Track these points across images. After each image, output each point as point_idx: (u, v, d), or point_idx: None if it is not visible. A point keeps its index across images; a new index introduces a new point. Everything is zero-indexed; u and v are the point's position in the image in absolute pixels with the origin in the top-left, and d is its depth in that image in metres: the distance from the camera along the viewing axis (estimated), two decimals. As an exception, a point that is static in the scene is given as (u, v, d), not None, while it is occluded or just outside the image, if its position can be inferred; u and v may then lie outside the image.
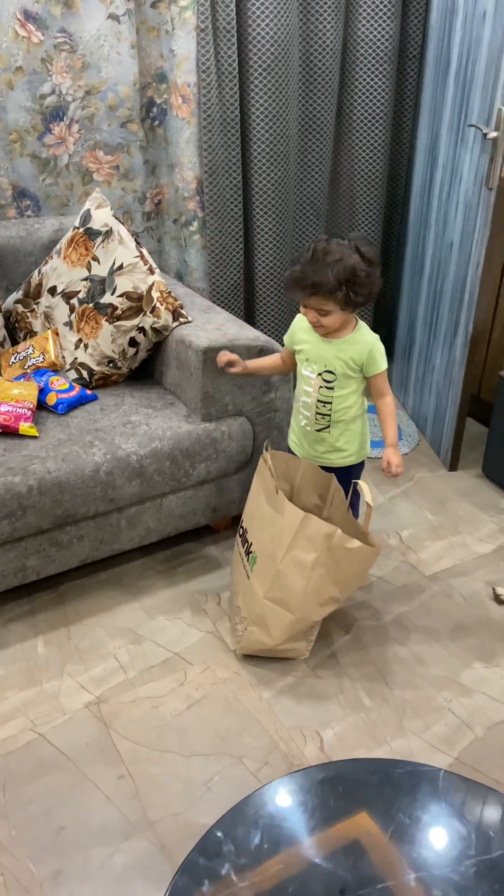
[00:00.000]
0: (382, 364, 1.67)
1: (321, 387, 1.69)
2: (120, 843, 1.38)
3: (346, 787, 1.04)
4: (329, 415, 1.71)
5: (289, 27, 2.32)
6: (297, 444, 1.85)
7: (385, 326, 3.05)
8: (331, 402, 1.69)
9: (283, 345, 1.83)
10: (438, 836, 0.97)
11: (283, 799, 1.04)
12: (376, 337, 1.68)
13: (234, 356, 1.79)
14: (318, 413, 1.72)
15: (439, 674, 1.75)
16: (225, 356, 1.79)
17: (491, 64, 2.02)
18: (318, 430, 1.75)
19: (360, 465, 1.84)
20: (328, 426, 1.73)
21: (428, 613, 1.94)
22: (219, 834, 0.97)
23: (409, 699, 1.69)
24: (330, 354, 1.66)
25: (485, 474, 2.52)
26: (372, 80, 2.56)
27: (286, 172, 2.52)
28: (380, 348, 1.67)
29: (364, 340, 1.66)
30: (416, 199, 2.70)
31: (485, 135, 2.04)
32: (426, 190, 2.60)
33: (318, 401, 1.71)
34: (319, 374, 1.68)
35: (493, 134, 2.01)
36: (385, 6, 2.44)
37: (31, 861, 1.35)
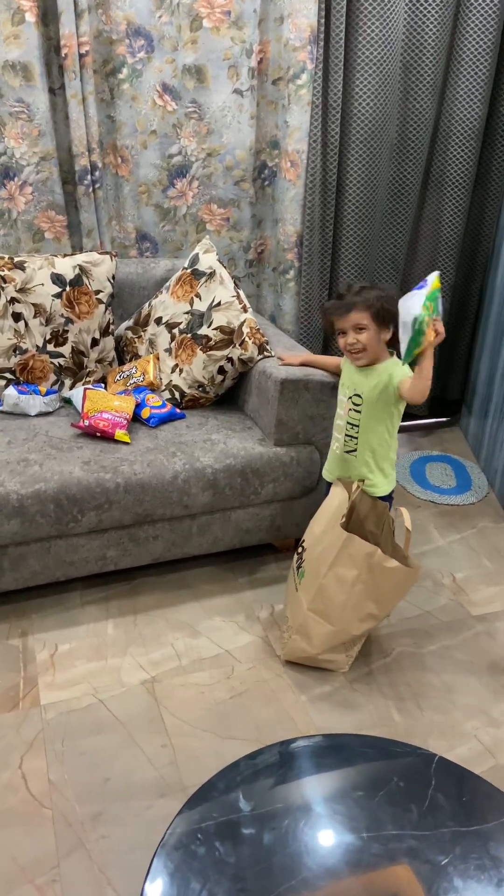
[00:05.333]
0: (403, 371, 1.76)
1: (350, 409, 1.88)
2: (155, 800, 1.56)
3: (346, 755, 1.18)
4: (356, 437, 1.88)
5: (388, 105, 2.59)
6: (327, 471, 2.03)
7: (465, 380, 3.20)
8: (358, 426, 1.87)
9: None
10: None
11: (290, 755, 1.19)
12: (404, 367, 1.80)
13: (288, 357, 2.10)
14: (347, 435, 1.91)
15: (470, 703, 1.84)
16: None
17: None
18: (347, 452, 1.92)
19: (388, 499, 1.97)
20: (355, 449, 1.90)
21: (469, 649, 2.03)
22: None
23: (437, 721, 1.78)
24: (359, 379, 1.85)
25: (548, 530, 2.58)
26: (459, 153, 2.80)
27: (371, 231, 2.78)
28: (401, 367, 1.78)
29: (389, 365, 1.82)
30: (504, 265, 2.85)
31: None
32: (513, 256, 2.75)
33: (348, 423, 1.89)
34: (349, 398, 1.87)
35: None
36: (477, 91, 2.68)
37: (77, 801, 1.55)
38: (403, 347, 1.65)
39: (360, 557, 1.71)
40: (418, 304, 1.58)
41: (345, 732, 1.72)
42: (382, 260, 2.94)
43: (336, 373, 2.06)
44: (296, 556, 1.95)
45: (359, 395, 1.85)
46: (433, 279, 1.61)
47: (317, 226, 2.67)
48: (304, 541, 1.92)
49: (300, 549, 1.93)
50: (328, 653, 1.87)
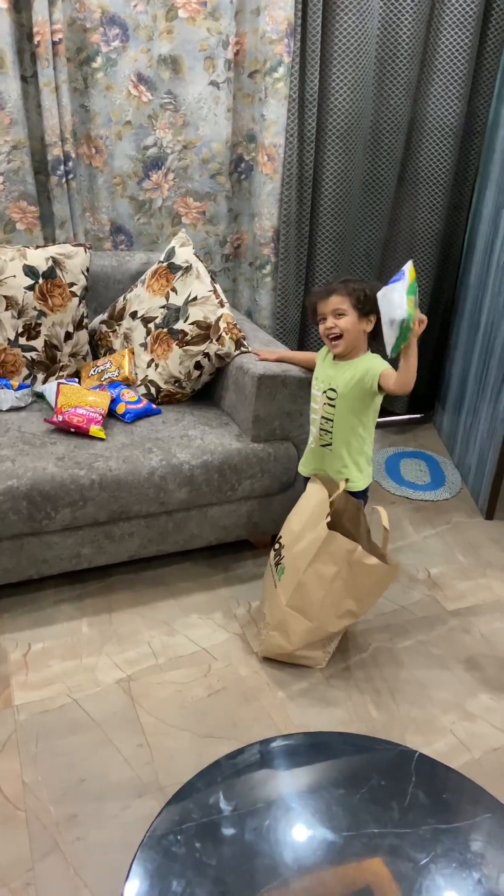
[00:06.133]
0: (381, 363, 1.78)
1: (325, 403, 1.87)
2: (132, 800, 1.54)
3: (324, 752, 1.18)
4: (331, 431, 1.88)
5: (363, 100, 2.59)
6: (303, 465, 2.04)
7: (436, 377, 3.22)
8: (333, 420, 1.86)
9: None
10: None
11: (270, 755, 1.18)
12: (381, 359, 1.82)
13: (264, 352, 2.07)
14: (322, 429, 1.90)
15: (446, 698, 1.85)
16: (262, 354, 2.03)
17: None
18: (322, 446, 1.92)
19: (363, 495, 1.97)
20: (330, 443, 1.90)
21: (444, 644, 2.04)
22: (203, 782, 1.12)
23: (413, 716, 1.79)
24: (334, 373, 1.85)
25: (520, 526, 2.61)
26: (434, 151, 2.82)
27: (347, 227, 2.78)
28: (379, 360, 1.80)
29: (375, 361, 1.81)
30: (478, 262, 2.87)
31: (539, 207, 2.21)
32: (487, 254, 2.77)
33: (323, 417, 1.89)
34: (324, 392, 1.86)
35: (547, 206, 2.18)
36: (454, 89, 2.69)
37: (52, 803, 1.52)
38: (390, 344, 1.65)
39: (340, 554, 1.71)
40: (402, 302, 1.58)
41: (323, 730, 1.72)
42: (358, 256, 2.94)
43: (311, 368, 2.05)
44: (273, 553, 1.94)
45: (333, 390, 1.84)
46: (409, 269, 1.61)
47: (293, 221, 2.65)
48: (281, 537, 1.91)
49: (277, 546, 1.93)
50: (306, 649, 1.86)
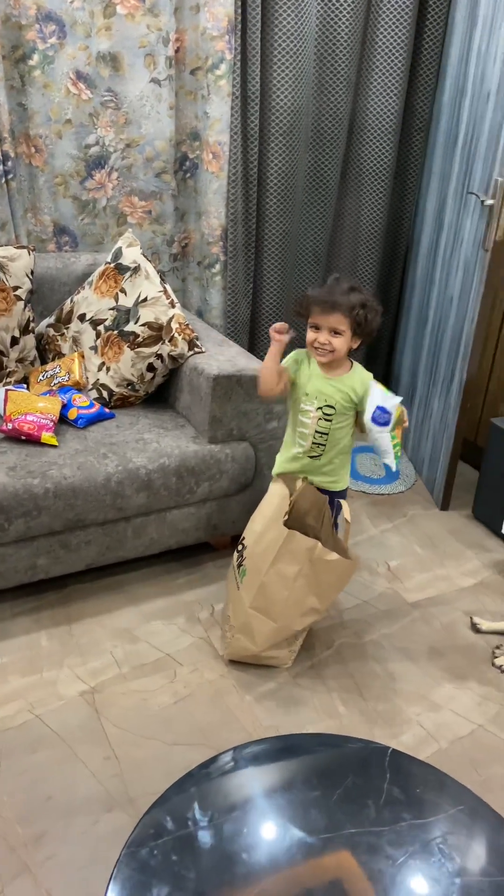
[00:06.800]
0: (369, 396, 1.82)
1: (320, 419, 1.83)
2: (102, 814, 1.50)
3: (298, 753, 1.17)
4: (324, 444, 1.86)
5: (305, 96, 2.59)
6: (285, 470, 1.95)
7: (387, 372, 3.26)
8: (328, 433, 1.85)
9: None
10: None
11: (244, 761, 1.17)
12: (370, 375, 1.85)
13: (285, 325, 1.78)
14: (314, 443, 1.86)
15: (411, 690, 1.87)
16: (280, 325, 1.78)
17: (492, 139, 2.24)
18: (311, 457, 1.90)
19: (344, 492, 1.98)
20: (321, 454, 1.88)
21: (407, 636, 2.06)
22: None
23: (380, 710, 1.80)
24: (331, 391, 1.81)
25: (474, 515, 2.65)
26: (376, 147, 2.85)
27: (292, 225, 2.78)
28: (369, 380, 1.83)
29: (363, 375, 1.83)
30: (423, 257, 2.91)
31: (482, 202, 2.25)
32: (433, 249, 2.81)
33: (317, 431, 1.84)
34: (319, 409, 1.82)
35: (490, 201, 2.21)
36: (392, 86, 2.73)
37: (19, 823, 1.48)
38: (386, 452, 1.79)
39: (301, 553, 1.71)
40: (389, 447, 1.76)
41: (292, 730, 1.72)
42: (305, 253, 2.95)
43: (273, 382, 1.86)
44: (236, 555, 1.93)
45: (331, 406, 1.81)
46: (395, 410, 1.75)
47: (240, 219, 2.64)
48: (244, 538, 1.89)
49: (240, 548, 1.91)
50: (271, 649, 1.86)
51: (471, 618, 2.13)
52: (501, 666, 1.95)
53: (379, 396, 1.75)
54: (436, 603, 2.20)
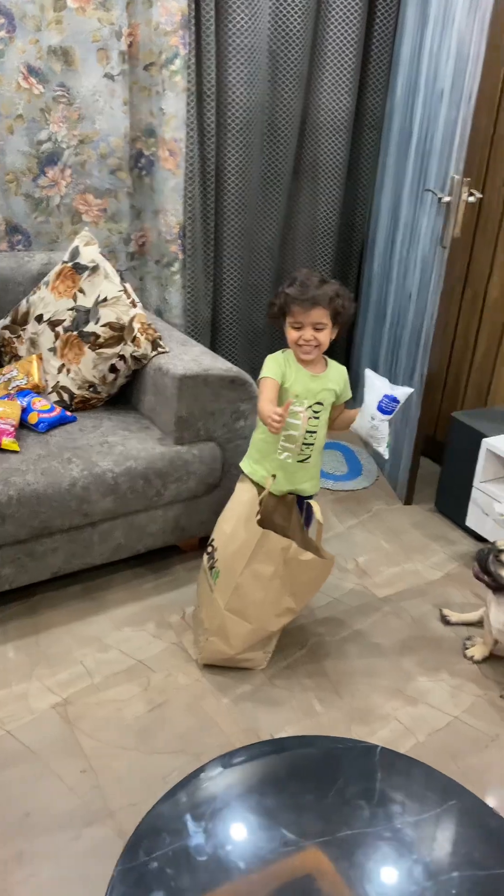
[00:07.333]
0: (347, 386, 1.87)
1: (310, 418, 1.78)
2: (82, 829, 1.46)
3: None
4: (313, 444, 1.83)
5: (260, 93, 2.58)
6: (275, 486, 1.84)
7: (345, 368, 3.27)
8: (316, 432, 1.83)
9: (253, 377, 1.98)
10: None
11: (233, 770, 1.15)
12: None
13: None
14: (305, 443, 1.80)
15: (386, 685, 1.88)
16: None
17: (447, 137, 2.27)
18: (301, 461, 1.83)
19: (315, 494, 1.97)
20: (309, 455, 1.85)
21: (379, 631, 2.07)
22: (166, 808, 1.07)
23: (357, 707, 1.81)
24: (319, 387, 1.79)
25: (437, 509, 2.69)
26: (329, 144, 2.86)
27: (249, 222, 2.77)
28: (345, 376, 1.87)
29: (341, 369, 1.85)
30: (380, 254, 2.93)
31: (439, 199, 2.27)
32: (389, 246, 2.83)
33: (308, 431, 1.77)
34: (309, 407, 1.77)
35: (447, 198, 2.24)
36: (343, 83, 2.75)
37: (-4, 844, 1.42)
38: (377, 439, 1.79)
39: (275, 553, 1.69)
40: (385, 434, 1.76)
41: (272, 733, 1.71)
42: (261, 250, 2.93)
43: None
44: (206, 557, 1.90)
45: (319, 403, 1.80)
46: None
47: (198, 216, 2.61)
48: (213, 539, 1.87)
49: (210, 549, 1.89)
50: (246, 651, 1.84)
51: (440, 610, 2.15)
52: (472, 657, 1.98)
53: (386, 385, 1.75)
54: (405, 597, 2.22)
